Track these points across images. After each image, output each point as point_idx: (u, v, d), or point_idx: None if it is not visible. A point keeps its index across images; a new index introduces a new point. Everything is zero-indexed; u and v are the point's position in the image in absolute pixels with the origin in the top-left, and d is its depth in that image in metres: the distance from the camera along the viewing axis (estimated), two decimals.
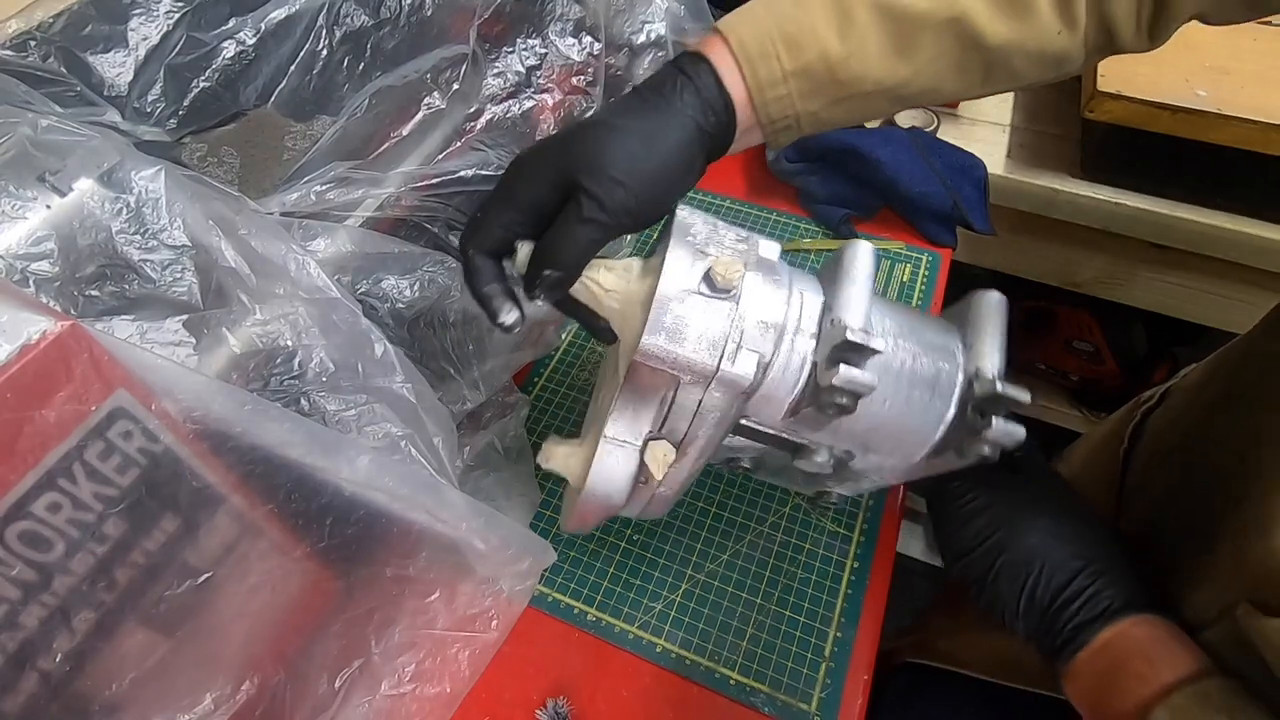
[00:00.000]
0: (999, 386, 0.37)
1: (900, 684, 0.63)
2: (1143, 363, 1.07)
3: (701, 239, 0.37)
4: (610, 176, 0.36)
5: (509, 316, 0.38)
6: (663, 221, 0.40)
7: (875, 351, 0.35)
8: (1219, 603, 0.39)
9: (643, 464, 0.38)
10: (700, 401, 0.36)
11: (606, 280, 0.39)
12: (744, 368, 0.35)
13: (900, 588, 0.56)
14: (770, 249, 0.39)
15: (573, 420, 0.60)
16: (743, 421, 0.40)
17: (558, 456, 0.41)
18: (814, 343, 0.37)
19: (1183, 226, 0.76)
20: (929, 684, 0.61)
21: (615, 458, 0.38)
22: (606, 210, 0.36)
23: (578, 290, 0.38)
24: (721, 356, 0.35)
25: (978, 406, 0.38)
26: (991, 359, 0.39)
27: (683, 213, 0.38)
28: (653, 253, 0.41)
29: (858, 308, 0.37)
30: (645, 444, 0.38)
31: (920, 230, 0.72)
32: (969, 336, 0.41)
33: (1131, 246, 0.80)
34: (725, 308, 0.35)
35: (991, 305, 0.41)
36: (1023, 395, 0.37)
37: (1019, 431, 0.37)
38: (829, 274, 0.40)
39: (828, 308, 0.38)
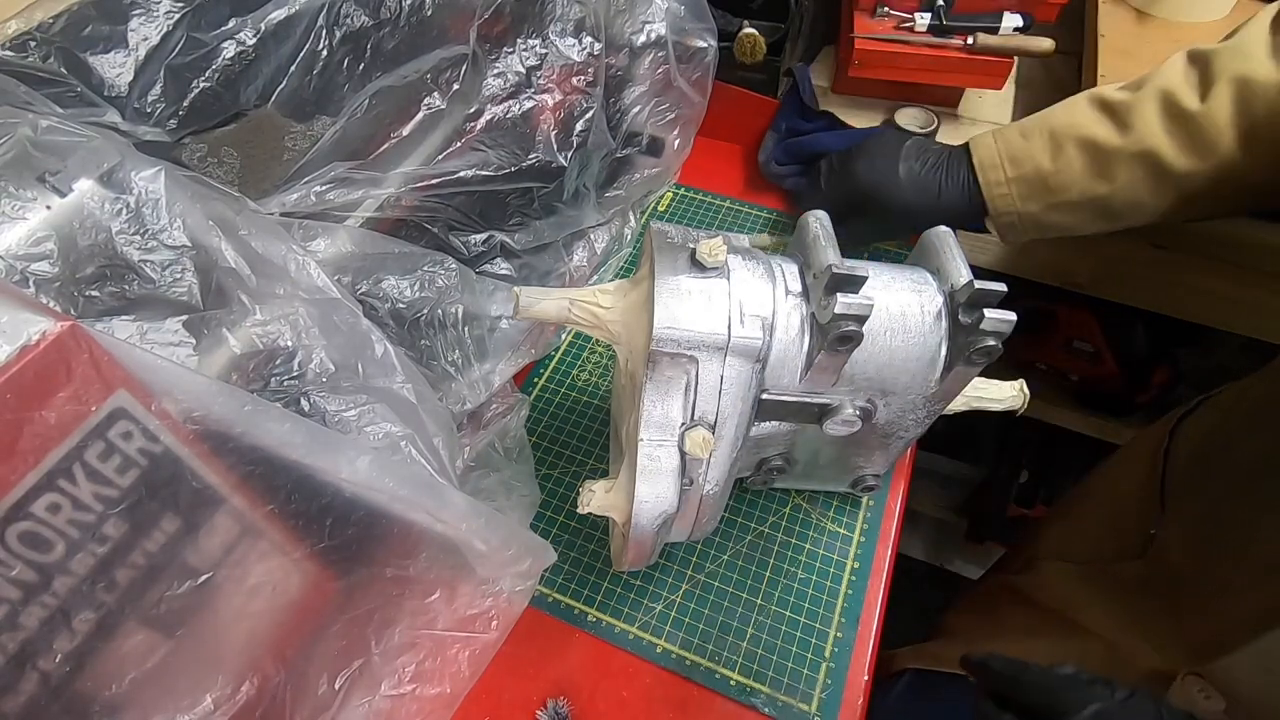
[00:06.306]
0: (976, 284, 0.40)
1: (901, 687, 0.63)
2: (1143, 363, 1.07)
3: (679, 239, 0.40)
4: (893, 207, 0.57)
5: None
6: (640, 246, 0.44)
7: (863, 278, 0.37)
8: (1251, 619, 0.39)
9: (684, 457, 0.38)
10: (722, 376, 0.38)
11: (604, 301, 0.42)
12: (752, 330, 0.38)
13: (905, 589, 0.56)
14: (740, 239, 0.43)
15: (573, 420, 0.60)
16: (765, 396, 0.41)
17: (598, 493, 0.41)
18: (805, 300, 0.40)
19: (1183, 227, 0.76)
20: (932, 687, 0.61)
21: (656, 458, 0.38)
22: (880, 227, 0.60)
23: (579, 316, 0.42)
24: (729, 324, 0.37)
25: (966, 308, 0.40)
26: (962, 271, 0.42)
27: (656, 224, 0.41)
28: (634, 272, 0.45)
29: (832, 253, 0.40)
30: (682, 436, 0.38)
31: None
32: (933, 265, 0.44)
33: (1131, 246, 0.80)
34: (719, 283, 0.38)
35: (942, 236, 0.44)
36: (999, 286, 0.39)
37: (1010, 316, 0.39)
38: (794, 247, 0.44)
39: (805, 268, 0.41)
